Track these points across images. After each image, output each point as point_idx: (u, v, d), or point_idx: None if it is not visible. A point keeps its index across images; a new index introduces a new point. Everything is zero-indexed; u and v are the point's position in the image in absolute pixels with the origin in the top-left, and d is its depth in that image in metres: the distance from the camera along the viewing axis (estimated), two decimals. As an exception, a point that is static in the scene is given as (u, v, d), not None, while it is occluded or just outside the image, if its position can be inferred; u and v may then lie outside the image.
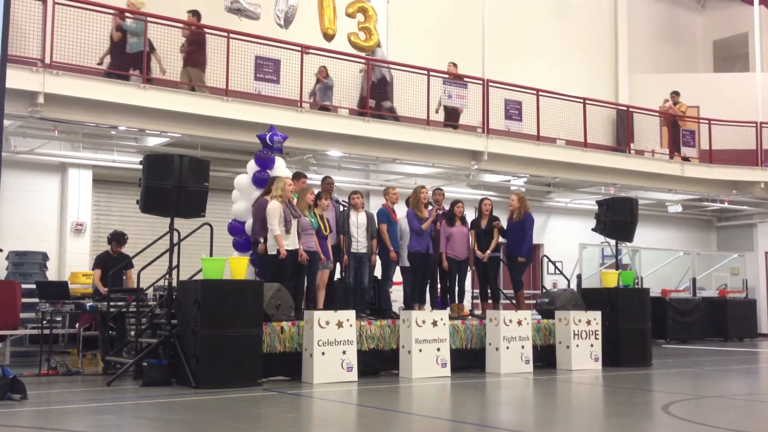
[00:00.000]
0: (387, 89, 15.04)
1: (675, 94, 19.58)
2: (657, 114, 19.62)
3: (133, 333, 10.80)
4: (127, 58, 12.81)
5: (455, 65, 16.55)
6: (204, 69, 13.52)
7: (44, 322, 10.94)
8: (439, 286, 12.30)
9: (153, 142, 14.35)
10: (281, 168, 11.71)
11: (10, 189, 13.23)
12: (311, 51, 14.46)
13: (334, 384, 9.59)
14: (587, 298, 12.60)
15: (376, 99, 14.96)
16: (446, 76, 15.87)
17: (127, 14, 12.93)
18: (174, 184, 9.77)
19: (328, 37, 15.16)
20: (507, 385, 10.15)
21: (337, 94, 14.98)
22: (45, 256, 13.53)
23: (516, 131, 16.58)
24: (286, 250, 10.21)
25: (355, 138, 14.76)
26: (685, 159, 19.15)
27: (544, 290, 14.07)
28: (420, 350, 10.45)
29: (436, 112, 15.65)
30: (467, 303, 13.05)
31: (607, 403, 9.05)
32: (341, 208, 11.54)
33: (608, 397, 9.54)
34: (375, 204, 14.88)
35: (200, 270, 9.99)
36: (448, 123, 15.98)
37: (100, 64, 12.72)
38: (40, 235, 13.97)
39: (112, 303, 10.61)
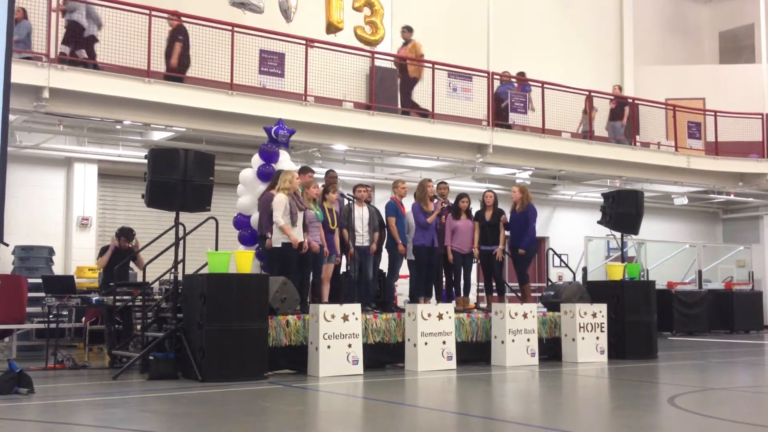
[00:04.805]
0: (83, 36, 12.40)
1: (406, 30, 15.89)
2: (663, 106, 19.56)
3: (139, 327, 10.83)
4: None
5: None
6: None
7: (50, 316, 10.97)
8: (444, 279, 12.30)
9: (158, 136, 14.38)
10: (286, 161, 11.72)
11: (16, 184, 13.26)
12: (316, 44, 14.44)
13: (340, 377, 9.60)
14: (593, 291, 12.58)
15: (71, 47, 12.34)
16: (451, 68, 15.83)
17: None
18: (179, 179, 9.76)
19: (333, 28, 15.10)
20: (513, 377, 10.15)
21: (342, 87, 14.95)
22: (51, 251, 13.57)
23: (521, 124, 16.56)
24: (291, 243, 10.20)
25: (360, 131, 14.75)
26: (694, 149, 19.03)
27: (550, 283, 14.04)
28: (426, 343, 10.45)
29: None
30: (472, 296, 13.04)
31: (613, 396, 9.04)
32: (345, 202, 11.55)
33: (614, 390, 9.54)
34: (379, 198, 14.88)
35: (206, 264, 10.01)
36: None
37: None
38: (46, 230, 14.01)
39: (118, 297, 10.65)
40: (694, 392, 8.93)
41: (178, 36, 13.17)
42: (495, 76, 16.29)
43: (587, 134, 17.88)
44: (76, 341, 12.43)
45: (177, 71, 13.08)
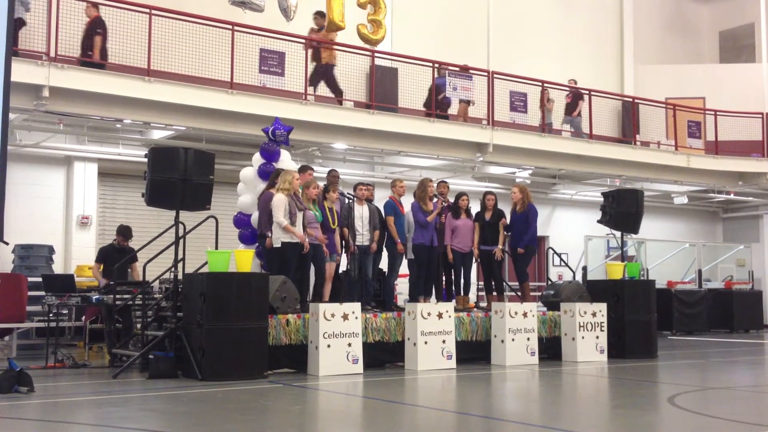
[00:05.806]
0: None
1: (319, 16, 14.91)
2: (663, 105, 19.55)
3: (139, 326, 10.83)
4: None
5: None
6: None
7: (50, 315, 10.97)
8: (444, 278, 12.30)
9: (158, 135, 14.37)
10: (287, 160, 11.72)
11: (16, 182, 13.26)
12: (316, 43, 14.43)
13: (340, 376, 9.61)
14: (593, 290, 12.59)
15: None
16: (452, 68, 15.81)
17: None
18: (179, 177, 9.77)
19: (334, 27, 15.08)
20: (512, 377, 10.16)
21: (343, 87, 14.93)
22: (51, 250, 13.56)
23: (521, 123, 16.55)
24: (290, 243, 10.20)
25: (360, 130, 14.75)
26: (694, 148, 19.03)
27: (550, 282, 14.06)
28: (425, 342, 10.45)
29: None
30: (472, 295, 13.05)
31: (613, 395, 9.05)
32: (346, 201, 11.55)
33: (614, 389, 9.54)
34: (379, 196, 14.84)
35: (206, 263, 10.01)
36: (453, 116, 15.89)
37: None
38: (46, 229, 14.01)
39: (118, 296, 10.65)
40: (693, 391, 8.93)
41: (97, 29, 12.55)
42: (495, 75, 16.28)
43: (546, 127, 17.31)
44: (76, 340, 12.44)
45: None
